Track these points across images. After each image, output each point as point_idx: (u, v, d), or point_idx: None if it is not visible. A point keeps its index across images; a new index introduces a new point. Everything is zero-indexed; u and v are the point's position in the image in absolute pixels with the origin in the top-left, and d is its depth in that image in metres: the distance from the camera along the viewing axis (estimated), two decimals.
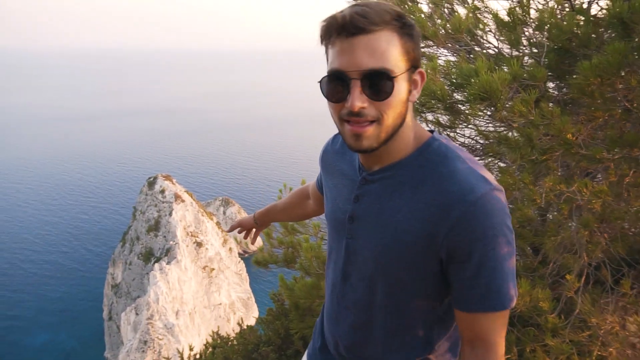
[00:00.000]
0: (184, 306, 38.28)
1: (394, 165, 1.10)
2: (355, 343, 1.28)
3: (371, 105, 1.00)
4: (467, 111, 2.56)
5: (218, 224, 48.93)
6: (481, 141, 2.99)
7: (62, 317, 44.13)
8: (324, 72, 1.08)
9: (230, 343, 4.77)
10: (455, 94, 2.51)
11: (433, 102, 2.46)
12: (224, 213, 56.73)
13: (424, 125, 2.86)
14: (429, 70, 2.46)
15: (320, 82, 1.05)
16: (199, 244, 43.05)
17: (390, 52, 0.99)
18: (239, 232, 2.04)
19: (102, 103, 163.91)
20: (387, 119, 1.02)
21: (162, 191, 45.33)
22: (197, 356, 5.06)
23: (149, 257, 41.87)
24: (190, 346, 5.37)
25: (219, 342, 4.98)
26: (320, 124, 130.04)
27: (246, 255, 53.91)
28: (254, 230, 2.02)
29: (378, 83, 0.98)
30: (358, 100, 0.99)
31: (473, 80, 2.06)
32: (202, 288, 41.97)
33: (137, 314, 35.95)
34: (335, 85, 1.02)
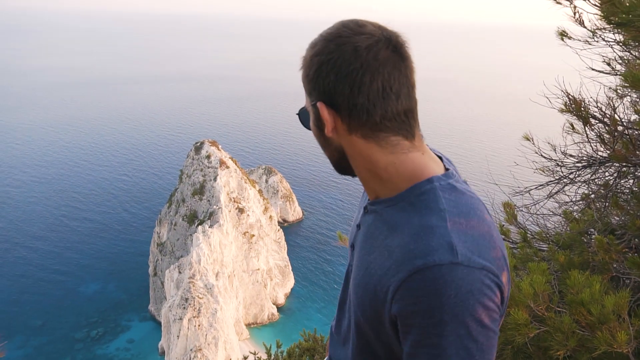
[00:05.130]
0: (224, 269, 39.60)
1: (384, 201, 1.02)
2: None
3: None
4: None
5: (260, 191, 49.82)
6: None
7: (112, 270, 46.72)
8: None
9: None
10: None
11: None
12: (266, 181, 57.60)
13: None
14: None
15: None
16: (241, 210, 44.09)
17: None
18: None
19: (147, 68, 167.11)
20: None
21: (208, 156, 46.37)
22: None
23: (193, 219, 43.29)
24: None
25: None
26: None
27: (285, 224, 54.84)
28: None
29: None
30: None
31: None
32: (242, 253, 43.22)
33: (180, 272, 37.49)
34: None
